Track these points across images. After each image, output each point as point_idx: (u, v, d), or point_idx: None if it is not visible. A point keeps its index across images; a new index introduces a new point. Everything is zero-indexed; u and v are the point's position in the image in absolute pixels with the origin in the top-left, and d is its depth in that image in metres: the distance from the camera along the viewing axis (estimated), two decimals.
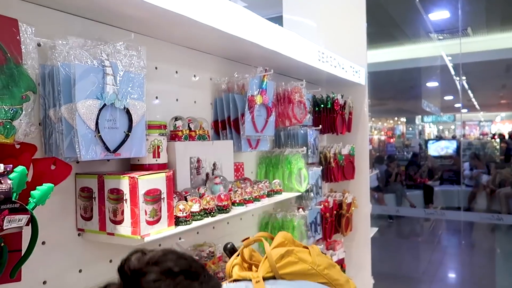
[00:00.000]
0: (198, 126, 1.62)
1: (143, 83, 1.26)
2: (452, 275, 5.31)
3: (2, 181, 0.83)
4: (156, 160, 1.35)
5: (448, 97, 10.72)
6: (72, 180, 1.24)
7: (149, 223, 1.15)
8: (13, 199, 0.85)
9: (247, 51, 1.79)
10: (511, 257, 5.83)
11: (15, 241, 0.96)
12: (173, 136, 1.50)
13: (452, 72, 7.91)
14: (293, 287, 1.17)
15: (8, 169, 0.85)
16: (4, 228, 0.84)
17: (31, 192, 0.90)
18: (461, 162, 8.29)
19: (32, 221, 0.91)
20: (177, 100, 1.65)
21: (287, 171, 2.12)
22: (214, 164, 1.64)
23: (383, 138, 13.91)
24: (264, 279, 1.17)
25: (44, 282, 1.16)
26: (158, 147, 1.36)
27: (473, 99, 11.85)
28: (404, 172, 8.66)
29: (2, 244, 0.92)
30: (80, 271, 1.25)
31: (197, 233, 1.75)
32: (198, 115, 1.68)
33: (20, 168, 0.86)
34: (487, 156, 10.13)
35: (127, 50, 1.23)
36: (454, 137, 12.97)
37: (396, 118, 16.06)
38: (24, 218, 0.88)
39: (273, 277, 1.20)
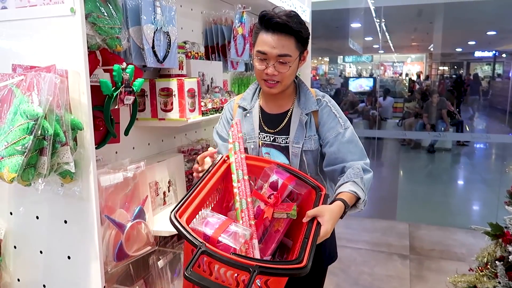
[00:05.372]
0: (198, 48, 2.14)
1: (175, 14, 1.75)
2: None
3: (124, 74, 1.34)
4: (181, 71, 1.87)
5: (369, 38, 11.81)
6: None
7: (190, 111, 1.71)
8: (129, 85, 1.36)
9: None
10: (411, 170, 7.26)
11: (116, 116, 1.48)
12: (188, 55, 2.01)
13: (373, 14, 8.81)
14: None
15: (124, 66, 1.36)
16: (125, 103, 1.37)
17: (133, 83, 1.42)
18: (377, 97, 9.55)
19: (134, 101, 1.44)
20: (182, 28, 2.13)
21: None
22: (212, 78, 2.20)
23: None
24: None
25: (133, 147, 1.74)
26: (182, 62, 1.87)
27: (389, 41, 13.14)
28: None
29: (112, 117, 1.44)
30: (148, 144, 1.82)
31: (195, 132, 2.34)
32: (194, 41, 2.18)
33: (131, 66, 1.37)
34: (397, 92, 11.73)
35: None
36: (371, 75, 14.46)
37: (320, 58, 17.12)
38: (133, 98, 1.41)
39: None
